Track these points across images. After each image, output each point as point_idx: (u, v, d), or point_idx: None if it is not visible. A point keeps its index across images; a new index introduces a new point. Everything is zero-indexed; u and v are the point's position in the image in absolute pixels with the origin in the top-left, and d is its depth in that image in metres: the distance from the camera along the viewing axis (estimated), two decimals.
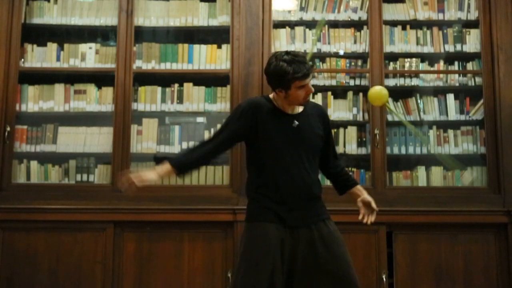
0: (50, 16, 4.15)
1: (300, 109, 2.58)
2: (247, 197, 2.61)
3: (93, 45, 4.12)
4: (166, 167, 2.50)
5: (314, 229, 2.46)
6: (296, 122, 2.53)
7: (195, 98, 4.07)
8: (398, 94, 4.12)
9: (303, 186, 2.49)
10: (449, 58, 4.17)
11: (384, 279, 3.67)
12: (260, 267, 2.38)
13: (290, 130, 2.52)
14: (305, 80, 2.45)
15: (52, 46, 4.11)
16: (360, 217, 2.67)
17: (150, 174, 2.48)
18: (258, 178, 2.54)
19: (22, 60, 4.05)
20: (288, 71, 2.42)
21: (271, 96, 2.60)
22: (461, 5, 4.19)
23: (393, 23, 4.17)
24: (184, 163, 2.53)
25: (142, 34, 4.19)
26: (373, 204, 2.65)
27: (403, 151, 4.00)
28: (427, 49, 4.15)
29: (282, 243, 2.42)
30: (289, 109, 2.56)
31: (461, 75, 4.16)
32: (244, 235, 2.53)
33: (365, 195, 2.67)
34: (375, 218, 2.67)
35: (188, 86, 4.08)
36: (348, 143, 4.03)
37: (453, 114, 4.09)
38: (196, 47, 4.11)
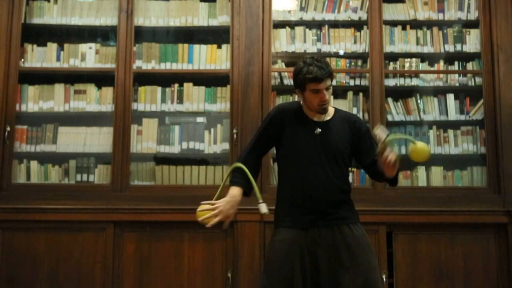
0: (50, 16, 4.15)
1: (327, 117, 2.61)
2: None
3: (93, 45, 4.12)
4: (237, 193, 2.56)
5: (337, 233, 2.47)
6: (319, 130, 2.57)
7: (195, 98, 4.07)
8: (398, 94, 4.12)
9: (323, 190, 2.51)
10: (449, 58, 4.17)
11: (384, 279, 3.67)
12: (277, 274, 2.43)
13: (312, 136, 2.56)
14: (318, 84, 2.49)
15: (52, 46, 4.11)
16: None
17: (227, 206, 2.56)
18: (281, 180, 2.62)
19: (22, 60, 4.05)
20: (302, 70, 2.50)
21: (301, 102, 2.65)
22: (461, 5, 4.19)
23: (393, 23, 4.17)
24: (247, 184, 2.58)
25: (142, 34, 4.19)
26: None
27: (403, 151, 3.99)
28: (427, 49, 4.15)
29: (301, 249, 2.45)
30: (315, 116, 2.60)
31: (461, 75, 4.16)
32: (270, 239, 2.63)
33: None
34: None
35: (188, 86, 4.08)
36: None
37: (453, 114, 4.09)
38: (196, 47, 4.11)
